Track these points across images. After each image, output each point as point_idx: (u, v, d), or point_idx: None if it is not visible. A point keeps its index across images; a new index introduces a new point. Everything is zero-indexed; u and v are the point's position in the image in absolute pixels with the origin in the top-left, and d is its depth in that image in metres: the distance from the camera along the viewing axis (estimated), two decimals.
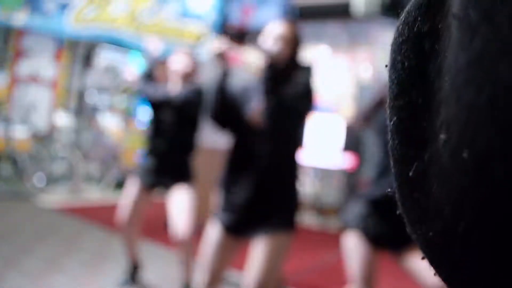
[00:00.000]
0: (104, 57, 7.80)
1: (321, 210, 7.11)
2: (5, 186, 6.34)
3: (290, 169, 2.28)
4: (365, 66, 7.88)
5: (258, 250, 2.16)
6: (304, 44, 2.38)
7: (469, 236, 0.21)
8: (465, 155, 0.20)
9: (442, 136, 0.22)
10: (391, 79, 0.29)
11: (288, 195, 2.27)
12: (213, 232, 2.26)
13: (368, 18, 6.85)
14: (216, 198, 2.33)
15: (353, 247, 2.32)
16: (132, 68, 4.04)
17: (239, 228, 2.22)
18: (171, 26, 8.58)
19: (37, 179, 6.46)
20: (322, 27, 9.96)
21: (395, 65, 0.28)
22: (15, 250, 3.97)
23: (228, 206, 2.23)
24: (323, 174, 8.18)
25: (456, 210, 0.21)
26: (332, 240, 5.73)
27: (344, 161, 6.79)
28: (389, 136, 0.29)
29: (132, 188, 3.38)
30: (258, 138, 2.20)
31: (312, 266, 4.45)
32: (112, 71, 7.84)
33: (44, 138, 7.00)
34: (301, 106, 2.24)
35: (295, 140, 2.29)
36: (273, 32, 2.26)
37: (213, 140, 5.09)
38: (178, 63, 3.36)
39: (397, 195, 0.28)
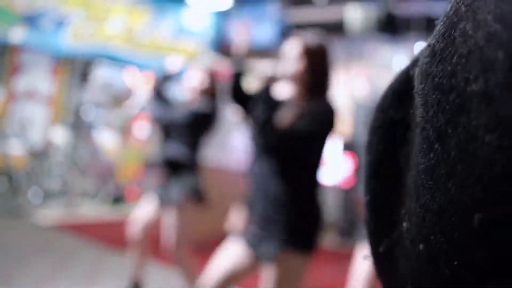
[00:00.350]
0: (101, 73, 7.83)
1: None
2: (1, 201, 6.31)
3: (286, 189, 2.17)
4: (361, 83, 7.92)
5: (268, 273, 2.11)
6: (329, 59, 2.27)
7: None
8: (421, 247, 0.22)
9: (405, 224, 0.24)
10: (366, 161, 0.30)
11: (292, 214, 2.15)
12: (233, 245, 2.22)
13: (363, 35, 6.91)
14: (241, 216, 2.32)
15: (363, 260, 2.34)
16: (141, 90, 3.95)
17: (255, 243, 2.16)
18: (166, 44, 8.63)
19: (33, 195, 6.43)
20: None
21: (370, 148, 0.30)
22: (10, 267, 3.94)
23: (250, 222, 2.23)
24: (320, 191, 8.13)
25: None
26: (330, 257, 5.71)
27: (341, 178, 6.79)
28: (364, 211, 0.31)
29: (149, 204, 3.37)
30: (258, 155, 2.22)
31: (310, 283, 4.42)
32: (108, 87, 7.86)
33: (40, 154, 6.98)
34: (305, 128, 2.13)
35: (293, 161, 2.20)
36: (286, 52, 2.21)
37: (219, 160, 5.11)
38: (193, 80, 3.36)
39: (371, 262, 0.30)
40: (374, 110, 0.31)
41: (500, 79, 0.19)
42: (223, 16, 8.90)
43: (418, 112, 0.24)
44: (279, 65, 2.21)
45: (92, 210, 6.94)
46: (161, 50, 8.56)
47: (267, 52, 11.25)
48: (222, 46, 9.86)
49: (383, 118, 0.29)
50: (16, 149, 6.32)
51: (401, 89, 0.28)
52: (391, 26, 6.78)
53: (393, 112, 0.28)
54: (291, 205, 2.16)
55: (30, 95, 7.83)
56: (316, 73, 2.19)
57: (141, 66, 8.52)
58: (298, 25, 8.76)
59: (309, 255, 2.17)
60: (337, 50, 9.53)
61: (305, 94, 2.18)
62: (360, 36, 7.09)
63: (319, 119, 2.17)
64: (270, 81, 2.19)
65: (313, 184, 2.27)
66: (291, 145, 2.16)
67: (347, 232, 6.46)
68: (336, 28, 9.15)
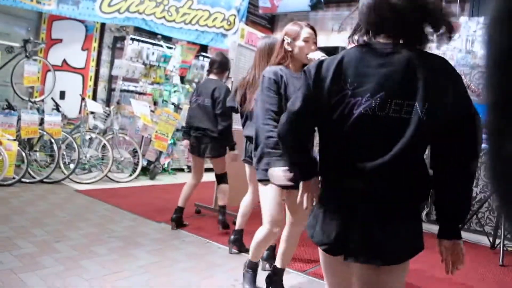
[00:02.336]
0: (133, 43, 7.86)
1: None
2: (40, 171, 6.49)
3: None
4: None
5: None
6: None
7: None
8: None
9: None
10: (488, 55, 0.29)
11: None
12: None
13: None
14: None
15: None
16: None
17: None
18: (200, 13, 8.58)
19: (70, 165, 6.59)
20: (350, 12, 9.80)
21: (492, 40, 0.28)
22: (49, 235, 4.06)
23: None
24: None
25: None
26: None
27: None
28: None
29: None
30: None
31: None
32: (140, 57, 7.89)
33: (75, 124, 7.11)
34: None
35: None
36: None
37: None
38: None
39: (490, 168, 0.28)
40: (494, 2, 0.29)
41: None
42: None
43: None
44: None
45: (127, 179, 7.08)
46: (194, 19, 8.54)
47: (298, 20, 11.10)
48: (252, 15, 9.76)
49: (508, 6, 0.28)
50: (53, 120, 6.44)
51: None
52: None
53: None
54: None
55: (64, 66, 7.95)
56: None
57: (174, 37, 8.54)
58: None
59: None
60: None
61: None
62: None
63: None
64: None
65: None
66: None
67: None
68: None
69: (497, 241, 4.91)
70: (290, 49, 2.83)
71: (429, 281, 3.77)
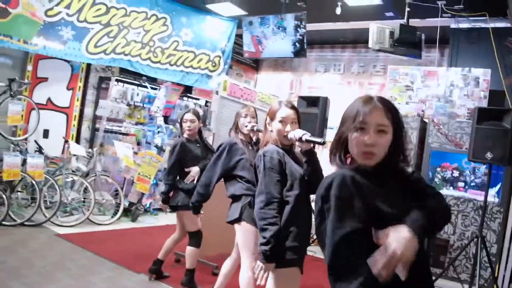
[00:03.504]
0: (118, 84, 7.93)
1: None
2: (20, 213, 6.45)
3: None
4: (376, 94, 7.90)
5: None
6: None
7: None
8: None
9: None
10: None
11: None
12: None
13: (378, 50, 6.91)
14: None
15: None
16: None
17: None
18: (186, 54, 8.70)
19: (51, 207, 6.56)
20: (335, 54, 10.02)
21: None
22: (36, 276, 4.04)
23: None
24: None
25: None
26: None
27: None
28: None
29: None
30: None
31: None
32: (125, 97, 7.95)
33: (58, 165, 7.11)
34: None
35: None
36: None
37: None
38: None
39: None
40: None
41: None
42: (240, 25, 8.95)
43: None
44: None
45: (110, 220, 7.05)
46: (179, 61, 8.66)
47: (283, 63, 11.29)
48: (238, 54, 9.92)
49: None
50: (34, 161, 6.44)
51: None
52: (404, 46, 6.78)
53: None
54: None
55: (48, 106, 7.98)
56: None
57: (159, 78, 8.64)
58: (318, 32, 8.79)
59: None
60: (354, 61, 9.54)
61: None
62: (375, 51, 7.07)
63: None
64: None
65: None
66: None
67: None
68: (354, 39, 9.15)
69: None
70: (270, 129, 2.75)
71: None
